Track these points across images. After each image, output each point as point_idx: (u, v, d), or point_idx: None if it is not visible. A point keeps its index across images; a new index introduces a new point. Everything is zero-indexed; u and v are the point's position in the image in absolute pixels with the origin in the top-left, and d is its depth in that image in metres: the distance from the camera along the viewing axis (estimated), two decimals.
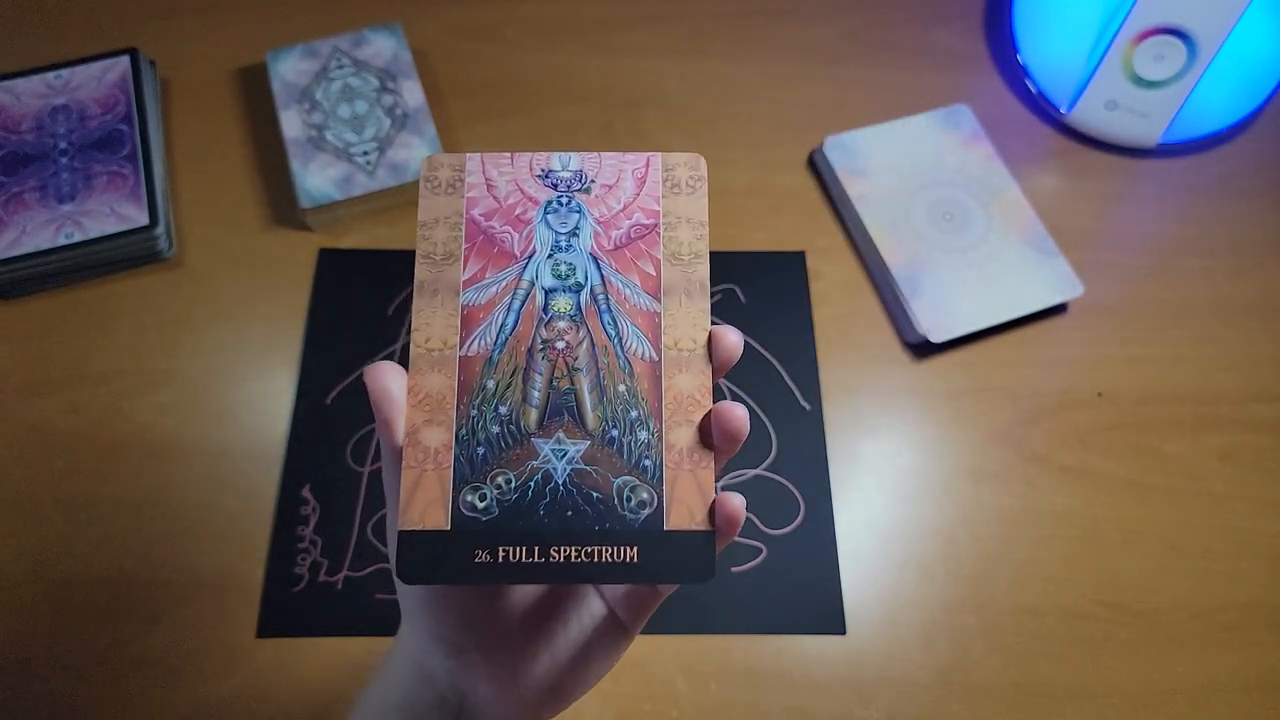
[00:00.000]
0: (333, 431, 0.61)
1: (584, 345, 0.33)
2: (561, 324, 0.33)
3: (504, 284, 0.33)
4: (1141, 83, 0.71)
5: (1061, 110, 0.75)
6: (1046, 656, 0.57)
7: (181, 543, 0.58)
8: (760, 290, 0.67)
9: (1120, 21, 0.70)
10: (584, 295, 0.33)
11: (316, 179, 0.67)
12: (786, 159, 0.73)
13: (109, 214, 0.64)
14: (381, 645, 0.55)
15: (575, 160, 0.35)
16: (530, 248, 0.34)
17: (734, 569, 0.58)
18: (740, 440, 0.32)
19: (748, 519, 0.60)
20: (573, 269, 0.34)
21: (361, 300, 0.66)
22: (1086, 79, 0.73)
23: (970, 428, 0.63)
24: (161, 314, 0.65)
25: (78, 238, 0.63)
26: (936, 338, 0.64)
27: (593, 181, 0.35)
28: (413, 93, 0.71)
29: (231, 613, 0.56)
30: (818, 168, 0.73)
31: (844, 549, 0.59)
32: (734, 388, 0.64)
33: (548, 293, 0.33)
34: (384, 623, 0.56)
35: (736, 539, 0.59)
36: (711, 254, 0.68)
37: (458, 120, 0.73)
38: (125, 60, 0.70)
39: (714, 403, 0.32)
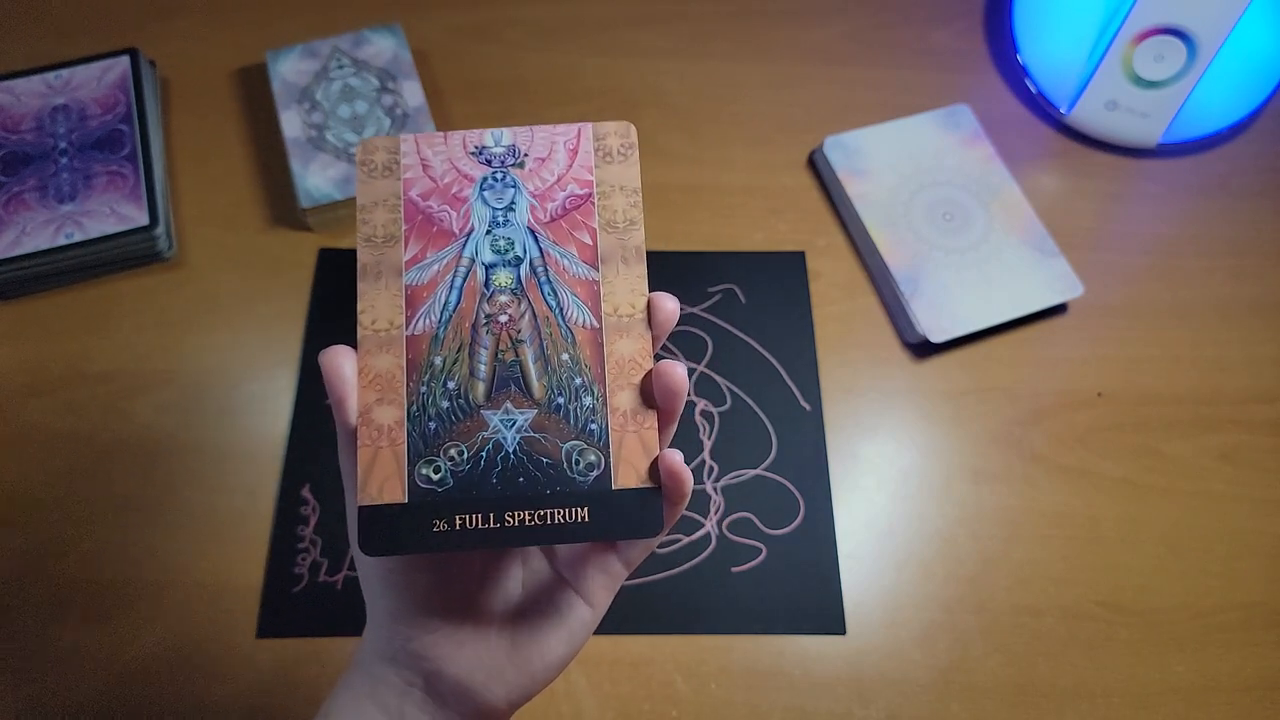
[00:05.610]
0: (333, 431, 0.61)
1: (526, 317, 0.34)
2: (503, 298, 0.34)
3: (445, 262, 0.34)
4: (1141, 83, 0.71)
5: (1061, 110, 0.75)
6: (1046, 656, 0.57)
7: (181, 543, 0.58)
8: (760, 290, 0.67)
9: (1120, 22, 0.70)
10: (524, 268, 0.34)
11: (316, 179, 0.67)
12: (786, 159, 0.73)
13: (109, 214, 0.64)
14: None
15: (508, 135, 0.36)
16: (468, 225, 0.34)
17: (734, 569, 0.58)
18: (680, 397, 0.32)
19: (748, 519, 0.60)
20: (511, 243, 0.34)
21: None
22: (1086, 79, 0.73)
23: (970, 428, 0.63)
24: (161, 314, 0.65)
25: (78, 238, 0.63)
26: (936, 338, 0.64)
27: (526, 155, 0.35)
28: (413, 93, 0.71)
29: (231, 613, 0.56)
30: (818, 168, 0.73)
31: (844, 549, 0.59)
32: (734, 388, 0.64)
33: (488, 268, 0.34)
34: None
35: (737, 538, 0.59)
36: (711, 254, 0.69)
37: (458, 120, 0.73)
38: (125, 60, 0.70)
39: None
